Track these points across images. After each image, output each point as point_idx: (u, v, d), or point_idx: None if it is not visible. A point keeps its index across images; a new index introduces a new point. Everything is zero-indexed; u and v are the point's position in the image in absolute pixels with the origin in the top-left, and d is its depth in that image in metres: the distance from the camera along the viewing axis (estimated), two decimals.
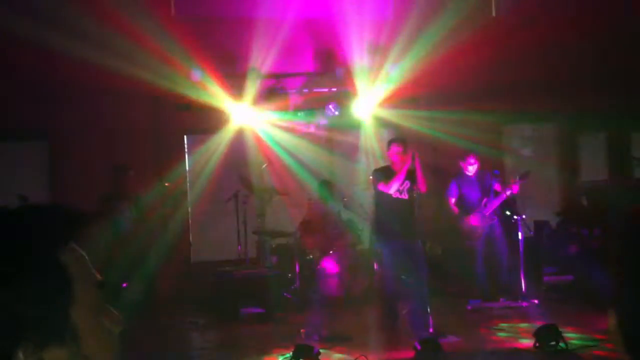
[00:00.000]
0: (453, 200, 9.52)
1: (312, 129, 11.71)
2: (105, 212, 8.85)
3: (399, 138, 8.39)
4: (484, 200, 9.34)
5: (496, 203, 9.33)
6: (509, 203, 9.47)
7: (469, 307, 9.12)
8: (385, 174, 8.00)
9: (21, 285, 1.10)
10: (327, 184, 10.32)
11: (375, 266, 9.85)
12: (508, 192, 9.23)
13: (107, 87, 10.76)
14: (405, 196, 7.90)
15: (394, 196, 7.86)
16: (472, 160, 9.44)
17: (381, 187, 7.92)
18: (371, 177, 8.29)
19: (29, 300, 1.09)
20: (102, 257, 1.29)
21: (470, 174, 9.47)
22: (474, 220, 9.31)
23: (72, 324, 1.15)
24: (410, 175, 7.80)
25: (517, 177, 9.39)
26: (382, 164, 9.33)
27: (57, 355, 1.11)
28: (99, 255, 1.31)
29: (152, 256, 9.28)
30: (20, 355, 1.07)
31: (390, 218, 7.91)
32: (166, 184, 10.48)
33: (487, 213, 9.32)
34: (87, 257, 1.29)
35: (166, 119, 11.24)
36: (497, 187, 9.37)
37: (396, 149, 7.94)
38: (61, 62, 10.40)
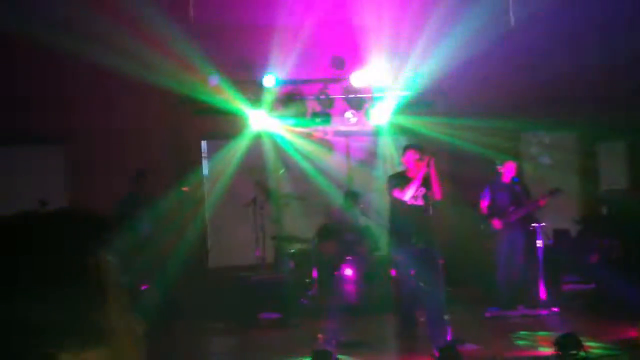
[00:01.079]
0: (485, 203, 9.49)
1: (329, 135, 11.73)
2: (124, 215, 8.87)
3: (414, 144, 8.30)
4: (512, 207, 9.31)
5: (522, 212, 9.29)
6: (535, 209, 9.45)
7: (488, 315, 9.07)
8: (400, 180, 7.91)
9: (61, 289, 1.11)
10: (352, 194, 10.36)
11: (393, 272, 9.82)
12: (536, 206, 9.22)
13: (125, 92, 10.84)
14: (420, 202, 7.82)
15: (409, 202, 7.79)
16: (511, 168, 9.42)
17: (396, 193, 7.84)
18: (386, 184, 8.21)
19: (70, 303, 1.11)
20: (121, 261, 1.30)
21: (506, 180, 9.43)
22: (497, 224, 9.29)
23: (108, 326, 1.17)
24: (426, 182, 7.73)
25: (547, 193, 9.33)
26: (398, 170, 9.31)
27: (95, 356, 1.12)
28: (118, 259, 1.31)
29: (170, 261, 9.29)
30: (63, 357, 1.08)
31: (406, 224, 7.83)
32: (184, 189, 10.51)
33: (512, 220, 9.28)
34: (112, 261, 1.30)
35: (184, 125, 11.29)
36: (523, 194, 9.35)
37: (412, 155, 7.85)
38: (79, 67, 10.49)
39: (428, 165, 7.61)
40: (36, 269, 1.09)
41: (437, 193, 7.72)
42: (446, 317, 7.54)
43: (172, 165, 11.12)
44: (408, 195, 7.72)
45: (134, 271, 8.13)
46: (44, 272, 1.09)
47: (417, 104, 11.31)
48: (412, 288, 7.92)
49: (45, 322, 1.07)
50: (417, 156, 7.80)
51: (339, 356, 6.89)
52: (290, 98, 11.08)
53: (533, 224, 9.32)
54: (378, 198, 11.08)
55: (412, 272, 7.85)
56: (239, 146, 11.14)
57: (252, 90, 10.91)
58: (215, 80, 10.65)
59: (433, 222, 7.94)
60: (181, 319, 9.33)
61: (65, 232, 1.18)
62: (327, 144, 11.80)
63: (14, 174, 10.89)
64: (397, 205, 7.93)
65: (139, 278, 8.45)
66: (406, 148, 8.05)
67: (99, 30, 9.91)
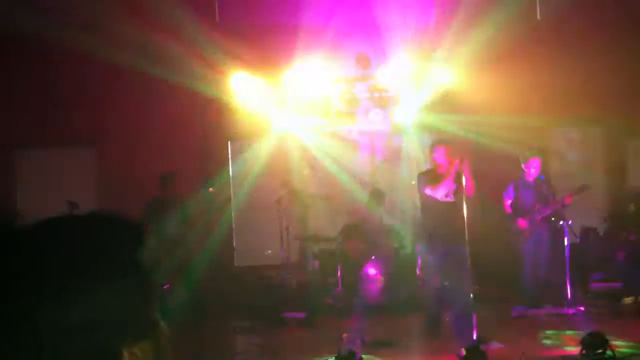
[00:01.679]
0: (509, 201, 9.37)
1: (354, 134, 11.74)
2: (152, 217, 8.98)
3: (443, 140, 8.22)
4: (537, 206, 9.21)
5: (548, 210, 9.18)
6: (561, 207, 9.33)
7: (514, 314, 8.99)
8: (430, 177, 7.83)
9: (115, 286, 1.16)
10: (377, 193, 10.36)
11: (418, 272, 9.82)
12: (562, 204, 9.10)
13: (153, 93, 10.97)
14: (451, 199, 7.75)
15: (439, 199, 7.75)
16: (535, 164, 9.26)
17: (428, 191, 7.76)
18: (416, 181, 8.14)
19: (125, 300, 1.16)
20: (149, 262, 1.34)
21: (530, 178, 9.31)
22: (522, 223, 9.19)
23: (153, 321, 1.23)
24: (457, 178, 7.68)
25: (575, 190, 9.21)
26: (424, 168, 9.27)
27: (141, 349, 1.18)
28: (148, 260, 1.36)
29: (196, 261, 9.39)
30: (122, 349, 1.14)
31: (437, 222, 7.74)
32: (210, 190, 10.61)
33: (538, 219, 9.18)
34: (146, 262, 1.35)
35: (210, 126, 11.37)
36: (549, 192, 9.24)
37: (442, 151, 7.78)
38: (107, 70, 10.64)
39: (462, 163, 7.53)
40: (88, 269, 1.14)
41: (469, 190, 7.64)
42: (472, 315, 7.52)
43: (198, 166, 11.23)
44: (441, 193, 7.66)
45: (161, 272, 8.25)
46: (97, 272, 1.14)
47: (442, 102, 11.27)
48: (439, 286, 7.87)
49: (107, 319, 1.12)
50: (446, 152, 7.74)
51: (364, 356, 6.89)
52: (315, 97, 11.12)
53: (560, 222, 9.22)
54: (403, 197, 11.08)
55: (441, 270, 7.80)
56: (265, 146, 11.22)
57: (278, 90, 10.98)
58: (241, 81, 10.72)
59: (463, 219, 7.88)
60: (207, 318, 9.42)
61: (109, 234, 1.22)
62: (351, 143, 11.82)
63: (45, 176, 11.09)
64: (428, 203, 7.84)
65: (163, 278, 8.56)
66: (435, 144, 7.97)
67: (127, 34, 10.04)
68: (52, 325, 1.08)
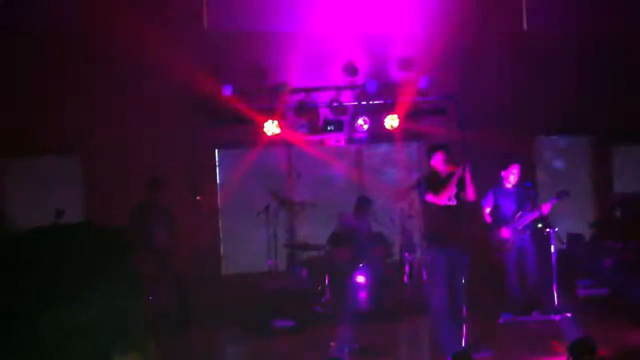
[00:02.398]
0: (488, 209, 9.28)
1: (341, 142, 11.76)
2: (139, 225, 8.93)
3: (440, 145, 8.08)
4: (518, 213, 9.17)
5: (529, 218, 9.15)
6: (542, 215, 9.32)
7: (501, 321, 9.00)
8: (431, 183, 7.73)
9: (106, 293, 1.16)
10: (365, 201, 10.37)
11: (406, 279, 9.86)
12: (542, 210, 9.05)
13: (139, 101, 10.93)
14: (454, 202, 7.68)
15: (443, 203, 7.71)
16: (515, 171, 9.18)
17: (430, 198, 7.67)
18: (416, 188, 8.05)
19: (115, 307, 1.16)
20: (137, 271, 1.34)
21: (509, 185, 9.25)
22: (505, 233, 9.15)
23: (144, 330, 1.23)
24: (459, 183, 7.58)
25: (554, 196, 9.20)
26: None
27: (134, 359, 1.18)
28: (136, 269, 1.36)
29: (184, 269, 9.35)
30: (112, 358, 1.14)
31: (442, 225, 7.69)
32: (198, 198, 10.58)
33: (520, 227, 9.16)
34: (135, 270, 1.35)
35: (197, 134, 11.34)
36: (534, 200, 9.21)
37: (442, 156, 7.69)
38: (92, 77, 10.60)
39: (464, 170, 7.51)
40: (77, 276, 1.14)
41: (470, 195, 7.62)
42: (462, 323, 7.51)
43: (186, 174, 11.19)
44: (443, 200, 7.61)
45: (148, 281, 8.21)
46: (87, 278, 1.14)
47: (429, 110, 11.31)
48: (446, 292, 7.73)
49: (97, 327, 1.12)
50: (447, 157, 7.70)
51: None
52: (302, 105, 11.14)
53: (547, 230, 9.22)
54: (390, 204, 11.11)
55: (445, 274, 7.69)
56: (252, 154, 11.21)
57: (266, 98, 10.98)
58: (228, 89, 10.72)
59: (464, 223, 7.85)
60: (195, 326, 9.38)
61: (98, 242, 1.23)
62: (339, 151, 11.84)
63: (31, 184, 11.02)
64: (432, 208, 7.75)
65: (151, 287, 8.51)
66: (434, 149, 7.88)
67: (113, 40, 10.02)
68: (39, 329, 1.08)
